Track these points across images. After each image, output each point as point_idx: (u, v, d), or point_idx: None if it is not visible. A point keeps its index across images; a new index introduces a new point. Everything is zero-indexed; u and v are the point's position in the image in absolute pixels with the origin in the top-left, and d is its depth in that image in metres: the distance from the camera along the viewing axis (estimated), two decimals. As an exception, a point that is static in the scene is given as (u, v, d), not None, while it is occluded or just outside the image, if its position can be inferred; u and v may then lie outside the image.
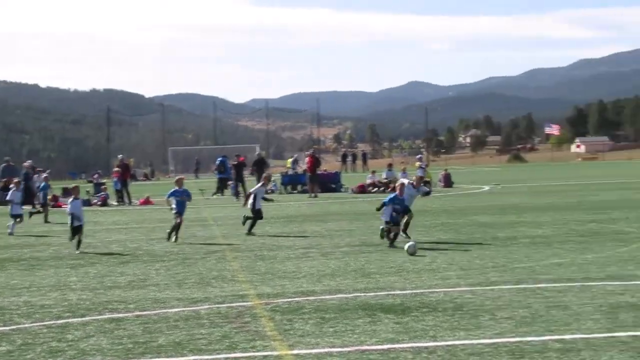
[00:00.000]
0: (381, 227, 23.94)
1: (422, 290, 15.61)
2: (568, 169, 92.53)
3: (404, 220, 24.27)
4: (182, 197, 26.84)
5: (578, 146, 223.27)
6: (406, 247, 21.15)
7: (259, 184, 29.83)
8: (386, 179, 54.09)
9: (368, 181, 54.40)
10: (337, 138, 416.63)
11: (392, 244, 22.94)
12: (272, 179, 57.59)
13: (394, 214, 23.45)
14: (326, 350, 11.18)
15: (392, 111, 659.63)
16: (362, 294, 15.40)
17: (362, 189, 53.03)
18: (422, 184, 26.40)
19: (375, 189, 52.96)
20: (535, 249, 21.59)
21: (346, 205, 40.99)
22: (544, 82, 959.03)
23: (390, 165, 58.43)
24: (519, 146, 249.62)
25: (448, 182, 57.55)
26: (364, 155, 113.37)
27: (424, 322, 12.74)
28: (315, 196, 48.82)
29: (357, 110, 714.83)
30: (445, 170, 61.89)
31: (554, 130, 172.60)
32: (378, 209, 24.08)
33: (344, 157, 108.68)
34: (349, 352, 11.04)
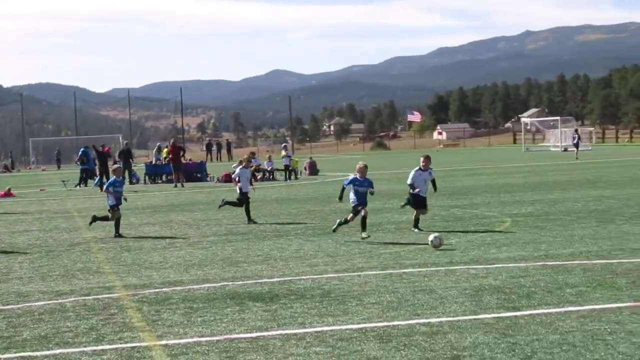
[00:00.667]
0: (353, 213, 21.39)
1: (290, 278, 15.66)
2: (430, 156, 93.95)
3: (415, 215, 22.65)
4: (120, 188, 25.08)
5: (439, 133, 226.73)
6: (430, 238, 19.03)
7: (240, 166, 27.92)
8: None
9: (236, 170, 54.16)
10: (201, 127, 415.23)
11: (343, 223, 21.51)
12: (134, 167, 56.93)
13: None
14: (195, 339, 11.13)
15: (255, 100, 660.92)
16: (230, 283, 15.38)
17: (228, 178, 52.89)
18: (431, 169, 23.44)
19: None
20: (401, 234, 21.89)
21: (212, 195, 40.81)
22: (404, 70, 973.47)
23: (252, 154, 58.44)
24: (382, 133, 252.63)
25: (313, 170, 57.86)
26: (229, 144, 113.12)
27: (292, 309, 12.78)
28: (182, 186, 48.51)
29: (221, 99, 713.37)
30: (310, 158, 62.19)
31: (415, 117, 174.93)
32: (340, 198, 21.71)
33: (209, 146, 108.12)
34: (218, 341, 11.01)
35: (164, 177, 55.08)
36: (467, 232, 21.78)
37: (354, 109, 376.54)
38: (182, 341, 11.08)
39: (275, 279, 15.61)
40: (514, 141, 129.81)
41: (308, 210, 30.05)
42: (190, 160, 63.45)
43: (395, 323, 11.64)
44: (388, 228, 23.38)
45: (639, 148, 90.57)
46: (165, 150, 54.51)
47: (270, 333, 11.33)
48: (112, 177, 25.39)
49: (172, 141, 55.23)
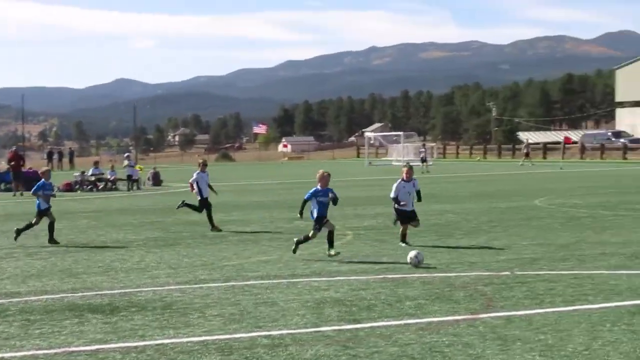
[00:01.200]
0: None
1: (130, 290, 15.46)
2: (275, 168, 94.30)
3: (409, 226, 21.47)
4: (51, 193, 24.30)
5: (285, 146, 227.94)
6: (411, 257, 17.74)
7: (198, 170, 26.60)
8: (92, 175, 53.40)
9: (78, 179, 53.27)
10: (43, 135, 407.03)
11: (303, 241, 19.88)
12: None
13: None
14: (32, 352, 10.86)
15: (99, 108, 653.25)
16: (69, 295, 15.07)
17: (69, 187, 51.95)
18: (414, 179, 21.75)
19: (83, 187, 52.09)
20: (244, 246, 21.86)
21: (52, 204, 39.88)
22: (251, 82, 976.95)
23: (96, 163, 57.67)
24: (227, 145, 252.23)
25: (157, 180, 57.32)
26: (71, 153, 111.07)
27: (132, 322, 12.61)
28: (21, 194, 47.38)
29: (64, 106, 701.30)
30: (154, 168, 61.63)
31: (261, 129, 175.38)
32: (301, 212, 20.18)
33: (50, 154, 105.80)
34: (56, 354, 10.77)
35: (2, 186, 53.59)
36: (309, 244, 21.87)
37: (199, 119, 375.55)
38: (19, 354, 10.81)
39: (115, 291, 15.38)
40: (358, 155, 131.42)
41: (151, 221, 29.75)
42: (31, 169, 61.99)
43: (237, 335, 11.61)
44: (231, 240, 23.33)
45: (481, 164, 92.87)
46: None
47: (109, 346, 11.15)
48: (42, 180, 24.25)
49: (14, 149, 53.92)
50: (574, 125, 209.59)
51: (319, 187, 19.88)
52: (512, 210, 30.68)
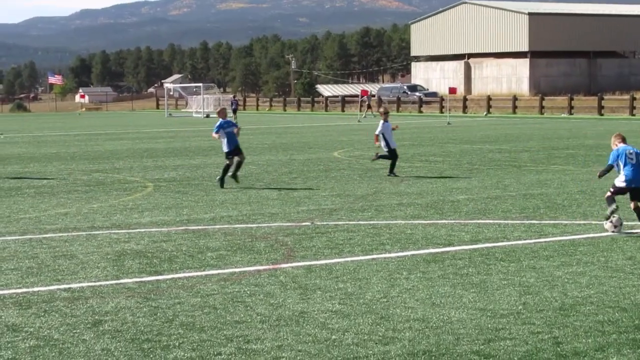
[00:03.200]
0: None
1: None
2: (72, 119, 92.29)
3: None
4: (231, 129, 23.22)
5: (82, 96, 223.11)
6: (614, 222, 15.10)
7: (381, 122, 25.72)
8: None
9: None
10: None
11: None
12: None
13: None
14: None
15: None
16: None
17: None
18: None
19: None
20: (41, 199, 21.37)
21: None
22: (46, 30, 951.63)
23: None
24: (22, 95, 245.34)
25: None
26: None
27: None
28: None
29: None
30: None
31: (56, 79, 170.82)
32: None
33: None
34: None
35: None
36: (109, 196, 21.61)
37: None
38: None
39: None
40: (157, 106, 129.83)
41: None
42: None
43: (35, 289, 11.40)
44: (28, 192, 22.75)
45: (280, 115, 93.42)
46: None
47: None
48: (220, 120, 23.39)
49: None
50: (371, 78, 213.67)
51: (621, 146, 15.41)
52: (312, 162, 31.05)
